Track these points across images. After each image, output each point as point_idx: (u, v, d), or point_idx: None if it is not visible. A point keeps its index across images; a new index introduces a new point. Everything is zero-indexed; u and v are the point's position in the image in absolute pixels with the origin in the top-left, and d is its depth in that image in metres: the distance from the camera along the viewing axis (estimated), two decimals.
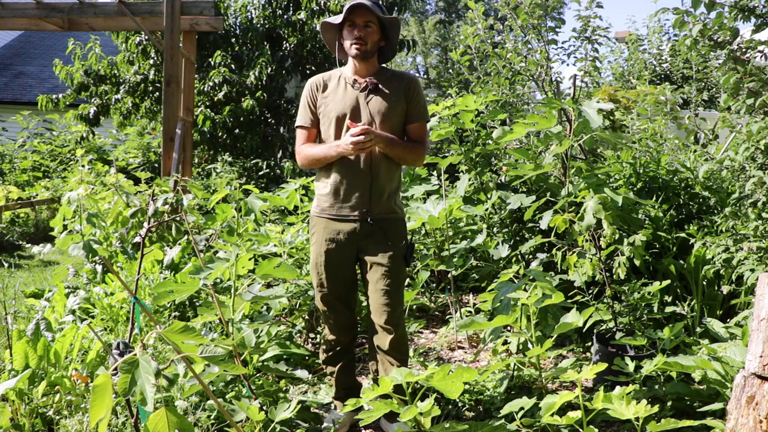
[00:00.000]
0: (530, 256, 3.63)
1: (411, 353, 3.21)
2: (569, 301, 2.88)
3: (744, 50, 2.97)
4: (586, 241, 2.92)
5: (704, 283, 3.19)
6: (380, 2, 2.35)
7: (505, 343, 2.98)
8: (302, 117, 2.44)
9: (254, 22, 8.41)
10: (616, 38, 9.92)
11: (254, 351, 2.47)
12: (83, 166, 4.84)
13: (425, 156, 2.46)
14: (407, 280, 3.28)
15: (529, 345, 2.64)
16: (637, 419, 1.74)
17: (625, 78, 7.95)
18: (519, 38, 4.48)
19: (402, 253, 2.37)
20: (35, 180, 8.92)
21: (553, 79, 4.41)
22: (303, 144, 2.43)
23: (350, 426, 2.50)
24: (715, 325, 2.90)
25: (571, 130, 3.01)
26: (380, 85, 2.35)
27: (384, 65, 2.46)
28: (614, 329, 2.89)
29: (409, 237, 2.52)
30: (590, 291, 3.10)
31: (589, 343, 3.22)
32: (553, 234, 3.14)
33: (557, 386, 2.89)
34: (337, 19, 2.33)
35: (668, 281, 3.03)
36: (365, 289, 2.43)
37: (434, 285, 4.27)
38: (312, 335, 3.37)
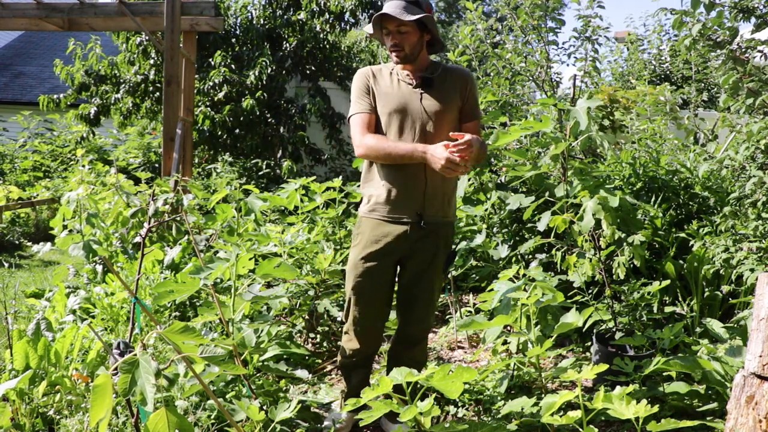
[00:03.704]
0: (530, 257, 3.64)
1: None
2: (569, 301, 2.88)
3: (744, 50, 2.98)
4: (586, 241, 2.92)
5: (704, 283, 3.19)
6: (419, 1, 2.19)
7: (505, 343, 2.99)
8: (359, 104, 2.25)
9: (254, 22, 8.42)
10: (616, 38, 9.92)
11: (254, 351, 2.47)
12: (84, 166, 4.85)
13: None
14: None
15: (529, 345, 2.65)
16: (637, 419, 1.75)
17: (625, 78, 7.95)
18: (519, 39, 4.48)
19: (444, 261, 2.30)
20: (36, 180, 8.93)
21: (553, 80, 4.41)
22: (367, 133, 2.21)
23: (350, 426, 2.50)
24: (715, 325, 2.91)
25: (568, 131, 3.02)
26: (434, 82, 2.25)
27: (436, 60, 2.36)
28: (614, 329, 2.90)
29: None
30: (590, 291, 3.10)
31: (589, 343, 3.22)
32: (552, 234, 3.14)
33: (557, 386, 2.90)
34: (370, 28, 2.25)
35: (668, 281, 3.03)
36: (400, 294, 2.34)
37: None
38: (312, 335, 3.38)
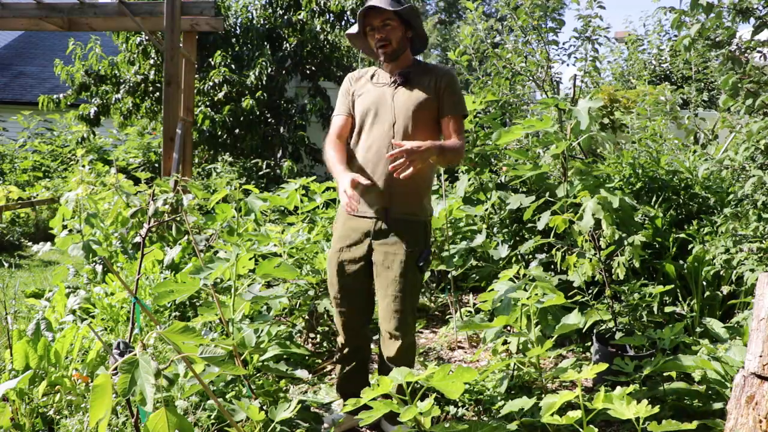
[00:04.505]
0: (530, 257, 3.64)
1: None
2: (569, 301, 2.88)
3: (743, 50, 2.98)
4: (586, 241, 2.92)
5: (704, 283, 3.19)
6: None
7: (505, 343, 2.99)
8: (337, 107, 2.39)
9: (254, 22, 8.42)
10: (616, 38, 9.92)
11: (254, 351, 2.47)
12: (84, 166, 4.85)
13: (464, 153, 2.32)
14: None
15: (529, 345, 2.65)
16: (637, 419, 1.75)
17: (625, 78, 7.95)
18: (519, 39, 4.49)
19: (415, 258, 2.25)
20: (36, 180, 8.92)
21: (553, 80, 4.41)
22: (334, 135, 2.33)
23: (351, 426, 2.49)
24: (715, 325, 2.91)
25: (569, 131, 3.02)
26: (409, 80, 2.26)
27: (419, 59, 2.38)
28: (614, 329, 2.90)
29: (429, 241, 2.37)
30: (590, 291, 3.10)
31: (589, 343, 3.22)
32: (552, 234, 3.14)
33: (557, 386, 2.90)
34: (355, 27, 2.30)
35: (671, 286, 3.03)
36: (377, 293, 2.36)
37: (434, 285, 4.27)
38: (312, 335, 3.38)
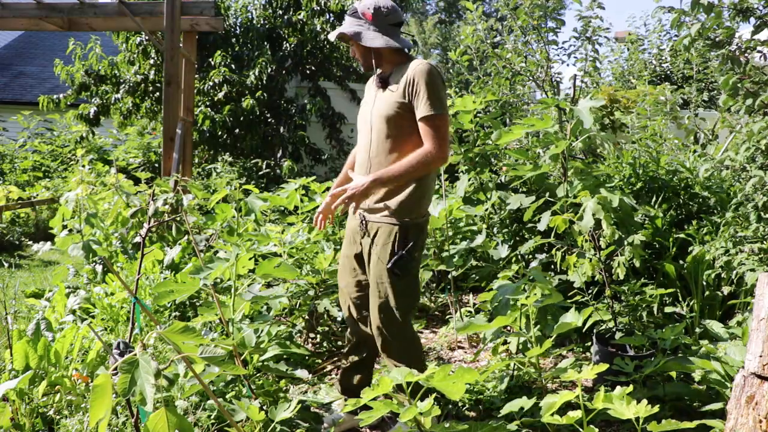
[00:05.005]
0: (530, 257, 3.63)
1: None
2: (569, 301, 2.88)
3: (743, 50, 2.98)
4: (586, 241, 2.92)
5: (704, 283, 3.19)
6: (357, 11, 2.24)
7: (505, 342, 2.98)
8: None
9: (254, 22, 8.42)
10: (616, 38, 9.92)
11: (254, 351, 2.47)
12: (83, 166, 4.84)
13: (442, 156, 2.15)
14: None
15: (529, 345, 2.65)
16: (637, 419, 1.74)
17: (625, 78, 7.95)
18: (519, 39, 4.49)
19: (388, 259, 2.20)
20: (36, 180, 8.92)
21: (553, 80, 4.42)
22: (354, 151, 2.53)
23: (351, 426, 2.49)
24: (715, 326, 2.91)
25: (569, 131, 3.02)
26: (387, 84, 2.24)
27: (410, 57, 2.30)
28: (614, 329, 2.90)
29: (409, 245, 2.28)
30: (590, 291, 3.10)
31: (589, 343, 3.22)
32: (552, 234, 3.14)
33: (557, 386, 2.90)
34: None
35: (672, 289, 3.03)
36: None
37: (434, 285, 4.27)
38: (312, 335, 3.38)
